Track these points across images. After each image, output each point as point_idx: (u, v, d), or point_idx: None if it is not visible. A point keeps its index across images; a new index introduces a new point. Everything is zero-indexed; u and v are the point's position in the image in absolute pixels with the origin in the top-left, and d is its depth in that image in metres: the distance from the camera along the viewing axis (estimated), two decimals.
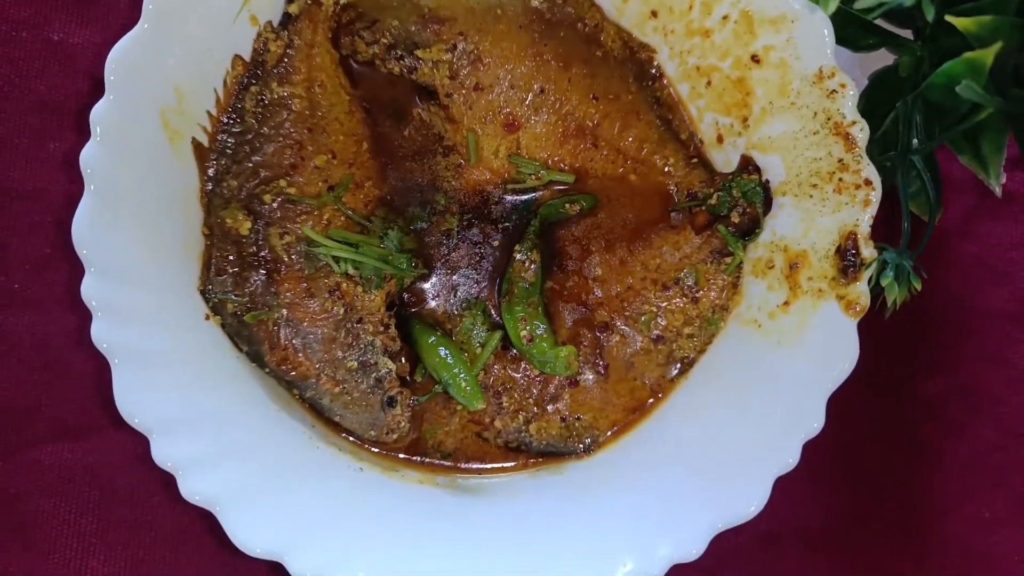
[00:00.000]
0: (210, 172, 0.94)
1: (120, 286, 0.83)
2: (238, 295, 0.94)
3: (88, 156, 0.82)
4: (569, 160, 1.02)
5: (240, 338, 0.94)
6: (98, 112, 0.82)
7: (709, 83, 0.98)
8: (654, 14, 0.99)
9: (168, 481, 1.07)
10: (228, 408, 0.90)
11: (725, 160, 1.01)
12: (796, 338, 0.89)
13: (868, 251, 0.86)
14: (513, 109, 0.99)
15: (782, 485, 1.12)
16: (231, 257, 0.94)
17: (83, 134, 1.04)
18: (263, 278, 0.94)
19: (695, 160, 1.02)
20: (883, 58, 0.94)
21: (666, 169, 1.02)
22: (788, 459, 0.85)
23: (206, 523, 1.06)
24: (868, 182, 0.86)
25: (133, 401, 0.82)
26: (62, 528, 1.07)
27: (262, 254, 0.94)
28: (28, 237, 1.09)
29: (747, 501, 0.85)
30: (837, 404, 1.13)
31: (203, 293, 0.93)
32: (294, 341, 0.94)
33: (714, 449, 0.91)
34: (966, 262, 1.18)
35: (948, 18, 0.72)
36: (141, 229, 0.86)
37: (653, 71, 1.03)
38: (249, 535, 0.82)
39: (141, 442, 1.07)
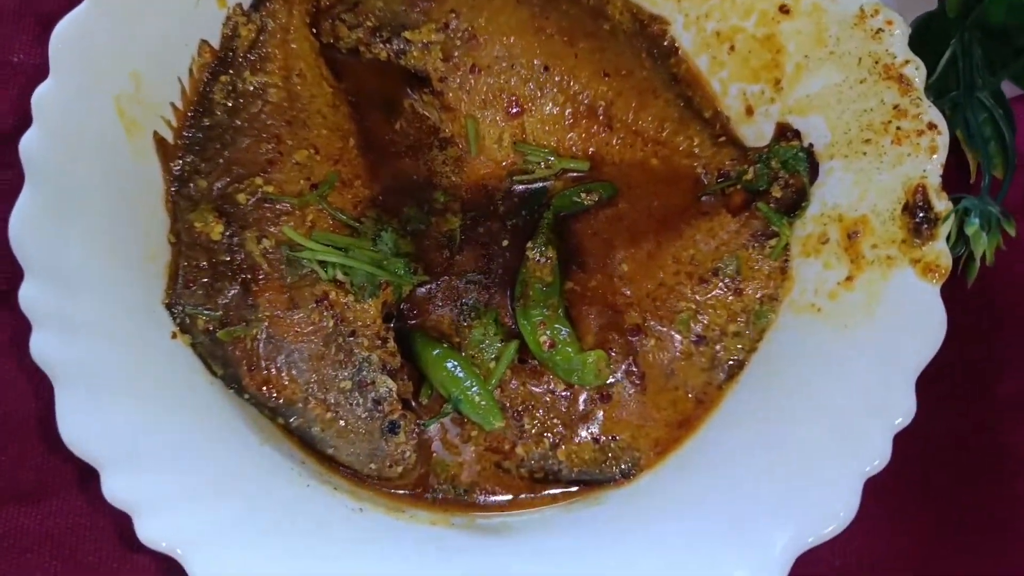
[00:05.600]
0: (175, 171, 0.83)
1: (66, 294, 0.71)
2: (210, 309, 0.81)
3: (29, 144, 0.70)
4: (582, 145, 0.91)
5: (214, 359, 0.81)
6: (41, 95, 0.71)
7: (732, 48, 0.88)
8: None
9: (142, 547, 0.93)
10: (199, 440, 0.76)
11: (757, 134, 0.90)
12: (866, 317, 0.76)
13: (942, 204, 0.73)
14: (515, 90, 0.89)
15: (861, 514, 0.96)
16: (202, 266, 0.82)
17: None
18: (239, 289, 0.81)
19: (723, 139, 0.91)
20: (926, 3, 0.85)
21: (692, 150, 0.91)
22: (877, 455, 0.70)
23: None
24: (932, 126, 0.74)
25: (79, 427, 0.67)
26: None
27: (237, 261, 0.82)
28: None
29: (832, 510, 0.70)
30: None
31: (169, 308, 0.81)
32: (277, 360, 0.81)
33: (783, 456, 0.76)
34: None
35: None
36: (94, 232, 0.74)
37: (664, 42, 0.93)
38: None
39: (106, 504, 0.93)
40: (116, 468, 0.68)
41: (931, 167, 0.74)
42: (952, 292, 1.03)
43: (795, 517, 0.71)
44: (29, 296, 0.69)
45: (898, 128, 0.76)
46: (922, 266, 0.73)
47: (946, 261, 0.72)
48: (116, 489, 0.67)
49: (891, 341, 0.74)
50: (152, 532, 0.67)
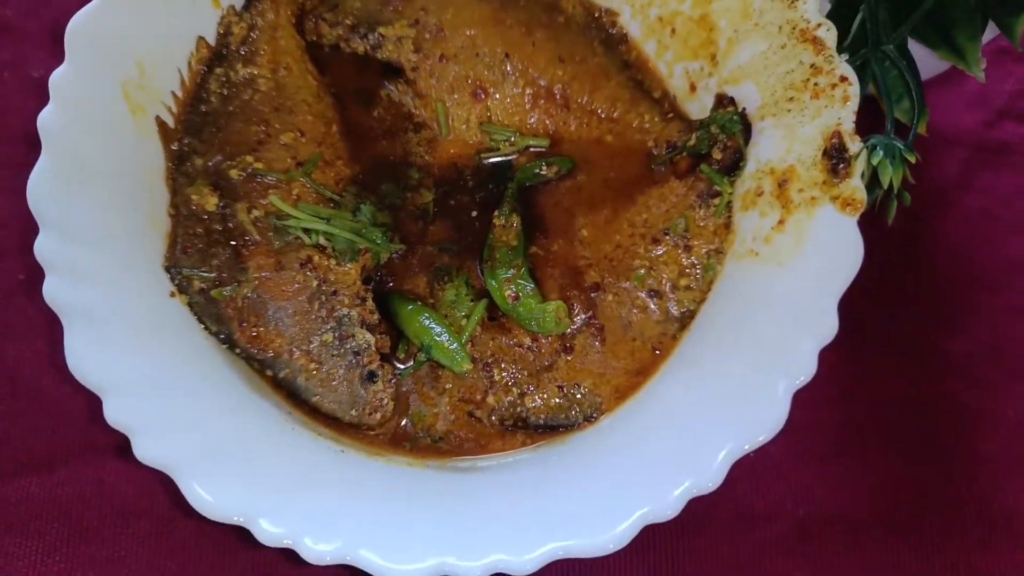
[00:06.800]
0: (175, 151, 0.92)
1: (76, 247, 0.79)
2: (205, 271, 0.89)
3: (45, 119, 0.80)
4: (542, 125, 1.00)
5: (208, 317, 0.89)
6: (57, 77, 0.81)
7: (673, 31, 0.98)
8: None
9: (141, 513, 1.00)
10: (194, 382, 0.83)
11: (701, 108, 0.99)
12: (796, 252, 0.83)
13: (856, 146, 0.81)
14: (480, 76, 0.99)
15: (818, 469, 1.02)
16: (198, 233, 0.90)
17: None
18: (231, 253, 0.90)
19: (671, 115, 1.00)
20: None
21: (643, 126, 1.00)
22: (804, 370, 0.76)
23: (181, 560, 0.97)
24: (843, 78, 0.82)
25: (85, 358, 0.75)
26: (27, 570, 0.97)
27: (229, 229, 0.90)
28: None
29: (766, 420, 0.76)
30: (865, 374, 1.06)
31: (168, 270, 0.89)
32: (265, 316, 0.89)
33: (726, 382, 0.82)
34: (973, 215, 1.14)
35: None
36: (102, 197, 0.83)
37: (614, 31, 1.03)
38: (212, 498, 0.73)
39: (112, 472, 1.01)
40: (117, 394, 0.75)
41: (845, 114, 0.82)
42: (897, 260, 1.11)
43: (734, 429, 0.77)
44: (43, 246, 0.77)
45: (815, 84, 0.85)
46: (840, 201, 0.81)
47: (861, 195, 0.80)
48: (116, 412, 0.74)
49: (817, 270, 0.80)
50: (148, 451, 0.74)
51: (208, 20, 0.95)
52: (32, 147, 1.01)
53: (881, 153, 0.78)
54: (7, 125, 1.14)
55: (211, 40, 0.95)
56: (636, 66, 1.03)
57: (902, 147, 0.78)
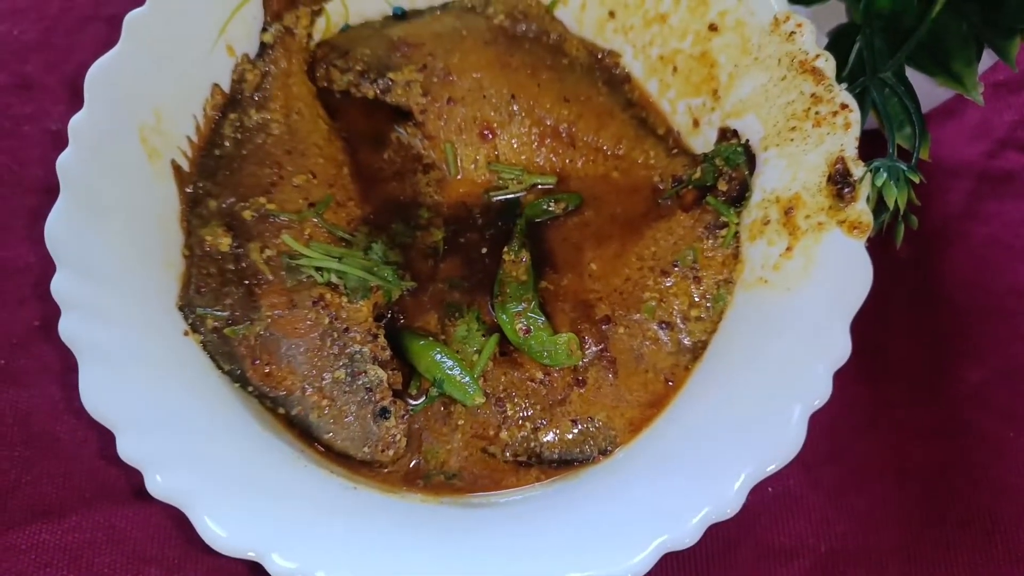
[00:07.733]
0: (189, 194, 0.94)
1: (92, 286, 0.80)
2: (218, 310, 0.90)
3: (64, 162, 0.82)
4: (549, 164, 1.02)
5: (221, 356, 0.89)
6: (76, 122, 0.84)
7: (675, 69, 1.00)
8: (612, 15, 1.03)
9: (151, 559, 0.98)
10: (206, 417, 0.83)
11: (705, 143, 1.00)
12: (804, 277, 0.83)
13: (859, 170, 0.82)
14: (487, 117, 1.01)
15: (839, 502, 1.00)
16: (211, 273, 0.91)
17: None
18: (243, 292, 0.91)
19: (675, 151, 1.02)
20: (838, 11, 0.97)
21: (648, 163, 1.01)
22: (818, 392, 0.76)
23: None
24: (844, 106, 0.84)
25: (99, 394, 0.75)
26: None
27: (242, 268, 0.92)
28: (16, 312, 1.09)
29: (783, 445, 0.75)
30: (882, 404, 1.05)
31: (181, 309, 0.90)
32: (277, 354, 0.89)
33: (741, 409, 0.81)
34: (981, 243, 1.14)
35: None
36: (118, 238, 0.85)
37: (618, 72, 1.05)
38: (224, 533, 0.73)
39: (122, 518, 1.00)
40: (130, 430, 0.75)
41: (847, 140, 0.83)
42: (909, 290, 1.11)
43: (751, 454, 0.76)
44: (60, 284, 0.78)
45: (816, 112, 0.86)
46: (847, 225, 0.81)
47: (867, 218, 0.80)
48: (129, 448, 0.74)
49: (827, 293, 0.81)
50: (160, 486, 0.74)
51: (223, 68, 0.98)
52: (49, 196, 1.03)
53: (885, 175, 0.79)
54: (26, 175, 1.17)
55: (225, 87, 0.98)
56: (640, 104, 1.05)
57: (906, 169, 0.79)
